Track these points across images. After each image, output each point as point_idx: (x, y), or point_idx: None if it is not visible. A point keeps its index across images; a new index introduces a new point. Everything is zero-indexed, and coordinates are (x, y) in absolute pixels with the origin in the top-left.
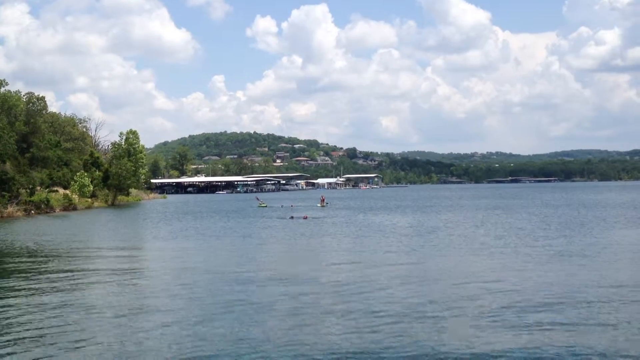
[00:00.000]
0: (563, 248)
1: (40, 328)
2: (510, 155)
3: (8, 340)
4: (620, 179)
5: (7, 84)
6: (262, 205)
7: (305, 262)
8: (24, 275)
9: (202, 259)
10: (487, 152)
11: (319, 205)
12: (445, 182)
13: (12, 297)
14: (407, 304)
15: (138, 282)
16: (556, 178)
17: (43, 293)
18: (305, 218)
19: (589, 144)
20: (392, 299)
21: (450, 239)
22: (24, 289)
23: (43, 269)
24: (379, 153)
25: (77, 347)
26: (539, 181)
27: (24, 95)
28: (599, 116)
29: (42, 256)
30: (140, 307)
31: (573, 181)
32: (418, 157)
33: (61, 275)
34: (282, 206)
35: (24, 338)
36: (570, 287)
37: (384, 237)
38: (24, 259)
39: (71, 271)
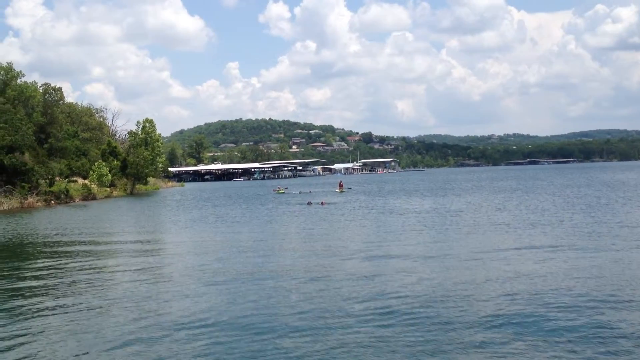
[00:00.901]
0: (591, 228)
1: (65, 314)
2: (528, 136)
3: (32, 329)
4: None
5: (23, 75)
6: (280, 191)
7: (329, 247)
8: (47, 263)
9: (227, 245)
10: (505, 134)
11: (337, 190)
12: (462, 165)
13: (36, 288)
14: (444, 287)
15: (164, 269)
16: (575, 159)
17: (66, 281)
18: (323, 204)
19: (607, 123)
20: (424, 282)
21: (474, 220)
22: (47, 277)
23: (65, 258)
24: (395, 137)
25: (100, 334)
26: (558, 162)
27: (40, 87)
28: (618, 95)
29: (64, 245)
30: (165, 292)
31: (592, 161)
32: (434, 141)
33: (85, 263)
34: (300, 192)
35: (47, 327)
36: (606, 268)
37: (407, 220)
38: (46, 248)
39: (95, 259)
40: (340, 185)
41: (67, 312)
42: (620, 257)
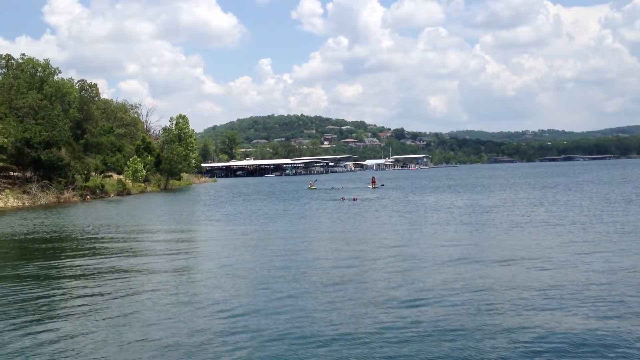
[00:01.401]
0: (634, 226)
1: (96, 309)
2: (563, 132)
3: (65, 321)
4: None
5: (60, 72)
6: (312, 187)
7: (365, 242)
8: (85, 256)
9: (261, 242)
10: (539, 130)
11: (370, 186)
12: (495, 161)
13: (74, 278)
14: (481, 284)
15: (200, 266)
16: (611, 155)
17: (103, 276)
18: (355, 200)
19: None
20: (463, 278)
21: (511, 217)
22: (85, 269)
23: (102, 253)
24: (427, 133)
25: (131, 329)
26: (594, 158)
27: (76, 83)
28: None
29: (102, 239)
30: (201, 288)
31: (629, 158)
32: (467, 137)
33: (121, 259)
34: (332, 188)
35: (80, 317)
36: None
37: (442, 217)
38: (83, 243)
39: (131, 255)
40: (373, 182)
41: (102, 308)
42: None
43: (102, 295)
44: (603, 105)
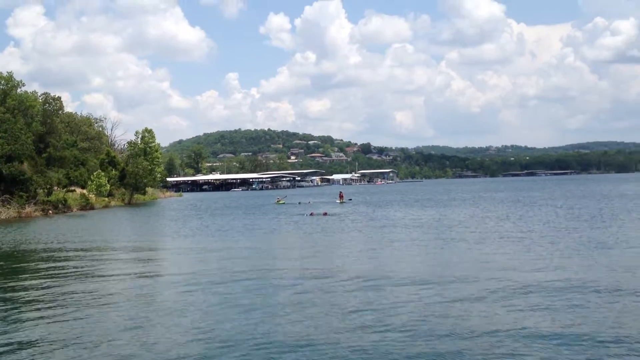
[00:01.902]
0: (601, 240)
1: (54, 327)
2: (526, 148)
3: (23, 340)
4: (638, 170)
5: (23, 84)
6: (280, 202)
7: (333, 258)
8: (42, 273)
9: (228, 258)
10: (503, 146)
11: (337, 201)
12: (460, 176)
13: (31, 295)
14: (455, 299)
15: (164, 279)
16: (573, 170)
17: (61, 291)
18: (325, 214)
19: (605, 136)
20: (437, 297)
21: (479, 233)
22: (42, 287)
23: (62, 268)
24: (394, 148)
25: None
26: (556, 174)
27: (40, 96)
28: (616, 108)
29: (62, 255)
30: (171, 301)
31: (590, 173)
32: (433, 152)
33: (81, 273)
34: (299, 203)
35: (39, 337)
36: (621, 277)
37: (411, 232)
38: (44, 258)
39: (91, 271)
40: (341, 196)
41: (62, 324)
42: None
43: (51, 320)
44: (565, 122)
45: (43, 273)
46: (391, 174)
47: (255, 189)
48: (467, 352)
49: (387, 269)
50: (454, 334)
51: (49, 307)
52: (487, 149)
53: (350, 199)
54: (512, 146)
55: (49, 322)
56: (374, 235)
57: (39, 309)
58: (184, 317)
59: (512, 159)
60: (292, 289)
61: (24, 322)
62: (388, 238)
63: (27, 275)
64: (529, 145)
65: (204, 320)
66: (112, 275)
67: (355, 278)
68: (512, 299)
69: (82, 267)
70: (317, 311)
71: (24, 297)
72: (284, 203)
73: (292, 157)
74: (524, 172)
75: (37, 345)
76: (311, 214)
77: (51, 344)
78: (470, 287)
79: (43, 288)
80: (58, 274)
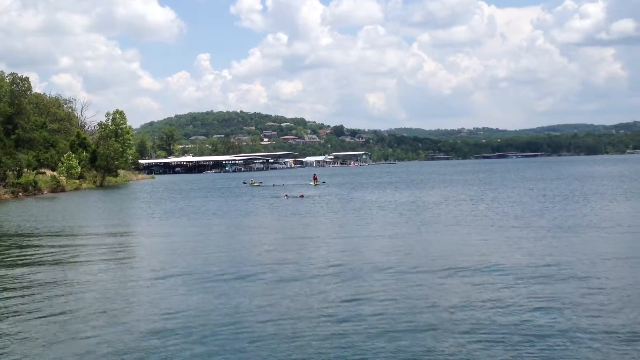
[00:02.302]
0: (573, 221)
1: (24, 311)
2: (497, 130)
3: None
4: (607, 152)
5: None
6: (255, 184)
7: (308, 244)
8: (14, 258)
9: (202, 242)
10: (474, 128)
11: (311, 183)
12: (432, 158)
13: (4, 281)
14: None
15: (136, 266)
16: (543, 153)
17: (32, 276)
18: (302, 196)
19: (575, 118)
20: (421, 280)
21: (454, 214)
22: (10, 274)
23: (33, 252)
24: (366, 130)
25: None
26: (526, 156)
27: (7, 77)
28: (585, 90)
29: (33, 238)
30: (137, 291)
31: (560, 155)
32: (405, 134)
33: (50, 258)
34: (273, 185)
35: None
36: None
37: (387, 214)
38: (15, 242)
39: (62, 254)
40: (315, 178)
41: (33, 312)
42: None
43: (23, 307)
44: (535, 104)
45: (13, 259)
46: (364, 156)
47: (228, 171)
48: (444, 335)
49: (364, 253)
50: (432, 317)
51: (19, 295)
52: (459, 131)
53: (324, 182)
54: (483, 128)
55: (17, 311)
56: (350, 217)
57: (7, 297)
58: (158, 306)
59: (483, 141)
60: (269, 274)
61: None
62: (365, 220)
63: None
64: (500, 128)
65: (177, 307)
66: (86, 261)
67: (332, 263)
68: (488, 279)
69: (53, 253)
70: (295, 296)
71: None
72: (258, 185)
73: (265, 139)
74: (495, 154)
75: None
76: (286, 196)
77: (19, 335)
78: (447, 271)
79: (12, 276)
80: (28, 260)
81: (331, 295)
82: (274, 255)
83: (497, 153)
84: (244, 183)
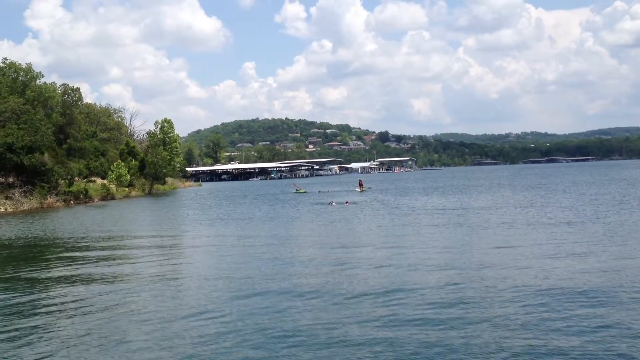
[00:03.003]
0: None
1: (85, 315)
2: (546, 134)
3: (44, 329)
4: None
5: (42, 76)
6: (300, 191)
7: (360, 246)
8: (66, 263)
9: (250, 248)
10: (522, 132)
11: (357, 190)
12: (479, 163)
13: (55, 285)
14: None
15: (187, 271)
16: (594, 157)
17: (84, 281)
18: (347, 203)
19: (627, 121)
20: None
21: (505, 218)
22: (65, 277)
23: (87, 258)
24: (411, 136)
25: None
26: (576, 160)
27: (59, 87)
28: (637, 92)
29: (85, 244)
30: (187, 297)
31: (612, 159)
32: (451, 139)
33: (107, 266)
34: (319, 192)
35: (62, 320)
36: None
37: (438, 218)
38: (67, 249)
39: (117, 262)
40: (361, 185)
41: (87, 314)
42: None
43: (87, 299)
44: (585, 108)
45: (62, 265)
46: (410, 162)
47: (273, 178)
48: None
49: (414, 259)
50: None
51: (70, 300)
52: (507, 135)
53: (370, 187)
54: (531, 133)
55: (68, 316)
56: (399, 223)
57: (60, 300)
58: (208, 311)
59: (532, 145)
60: (321, 278)
61: (45, 314)
62: (414, 225)
63: (51, 264)
64: (549, 132)
65: (228, 313)
66: (136, 266)
67: (383, 265)
68: (542, 287)
69: (102, 260)
70: (347, 302)
71: (47, 287)
72: (304, 192)
73: (310, 146)
74: (544, 158)
75: (53, 340)
76: (331, 203)
77: (68, 338)
78: (499, 278)
79: (66, 278)
80: (79, 265)
81: (378, 311)
82: (323, 265)
83: (547, 158)
84: (295, 185)
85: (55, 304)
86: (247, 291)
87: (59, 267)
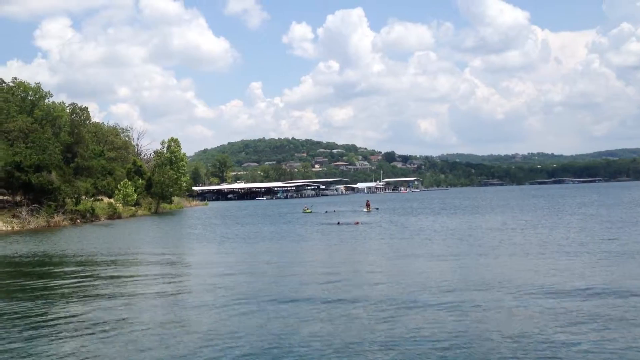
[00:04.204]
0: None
1: (91, 335)
2: (552, 155)
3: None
4: None
5: (51, 95)
6: (307, 211)
7: (369, 269)
8: (74, 283)
9: (258, 268)
10: (529, 153)
11: (364, 210)
12: (486, 184)
13: (63, 304)
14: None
15: (195, 290)
16: (600, 178)
17: (92, 300)
18: (357, 224)
19: (633, 142)
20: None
21: (514, 241)
22: (72, 295)
23: (94, 277)
24: (418, 156)
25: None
26: (583, 181)
27: (67, 107)
28: None
29: (92, 263)
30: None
31: (618, 181)
32: (458, 160)
33: (113, 284)
34: (326, 212)
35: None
36: None
37: (446, 240)
38: (74, 267)
39: (124, 282)
40: (368, 205)
41: (93, 333)
42: None
43: (91, 318)
44: (591, 129)
45: (69, 283)
46: (416, 182)
47: (280, 198)
48: None
49: (425, 281)
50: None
51: (76, 319)
52: (513, 156)
53: (377, 208)
54: (538, 153)
55: (74, 335)
56: (408, 244)
57: (65, 322)
58: (216, 328)
59: (538, 166)
60: (325, 300)
61: (48, 334)
62: (424, 247)
63: (51, 286)
64: (555, 153)
65: (232, 330)
66: (141, 285)
67: (392, 293)
68: (554, 307)
69: (109, 279)
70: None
71: (49, 309)
72: (310, 212)
73: (317, 166)
74: (550, 179)
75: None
76: (338, 223)
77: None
78: (510, 297)
79: (71, 297)
80: (85, 283)
81: (388, 326)
82: (332, 284)
83: (553, 178)
84: (306, 208)
85: (54, 323)
86: (255, 310)
87: (63, 288)
